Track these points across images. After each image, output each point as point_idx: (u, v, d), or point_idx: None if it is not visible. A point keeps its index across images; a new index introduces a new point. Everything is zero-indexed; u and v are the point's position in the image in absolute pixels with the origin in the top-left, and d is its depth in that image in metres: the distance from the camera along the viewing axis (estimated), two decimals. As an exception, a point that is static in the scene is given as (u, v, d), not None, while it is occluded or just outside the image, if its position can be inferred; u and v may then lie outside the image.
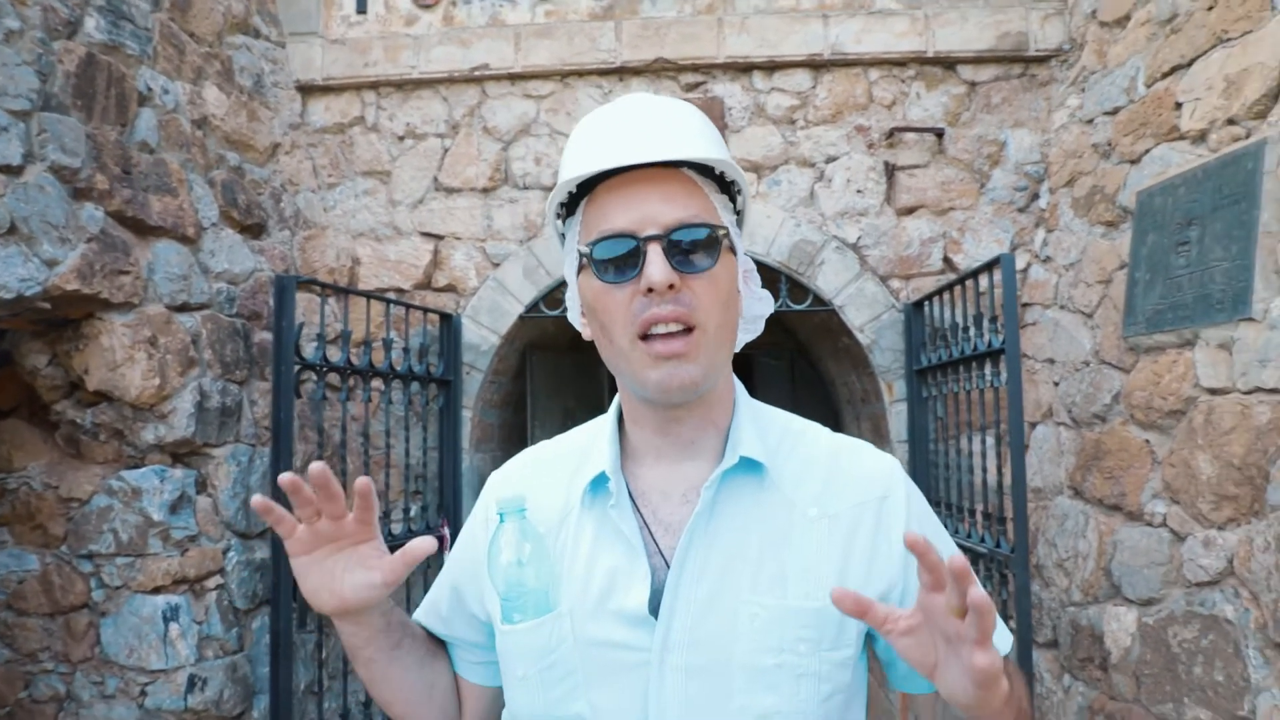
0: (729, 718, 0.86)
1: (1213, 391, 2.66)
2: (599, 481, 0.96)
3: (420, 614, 1.11)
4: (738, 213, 0.98)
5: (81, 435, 3.01)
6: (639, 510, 0.95)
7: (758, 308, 1.02)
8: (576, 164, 0.92)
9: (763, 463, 0.94)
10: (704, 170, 0.93)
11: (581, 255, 0.92)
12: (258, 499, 0.86)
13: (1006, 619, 3.15)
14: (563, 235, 1.00)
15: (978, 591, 0.70)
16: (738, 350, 1.00)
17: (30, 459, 3.06)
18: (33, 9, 2.64)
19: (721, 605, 0.89)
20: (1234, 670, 2.48)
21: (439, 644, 1.11)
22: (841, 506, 0.94)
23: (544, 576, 0.92)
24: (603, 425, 1.02)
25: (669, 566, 0.90)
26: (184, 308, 3.14)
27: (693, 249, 0.88)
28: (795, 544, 0.91)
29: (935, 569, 0.73)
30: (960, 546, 3.34)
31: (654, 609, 0.89)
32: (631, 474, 0.98)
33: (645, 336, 0.88)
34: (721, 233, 0.90)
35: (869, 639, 0.95)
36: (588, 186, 0.93)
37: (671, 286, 0.86)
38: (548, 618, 0.91)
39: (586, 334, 0.99)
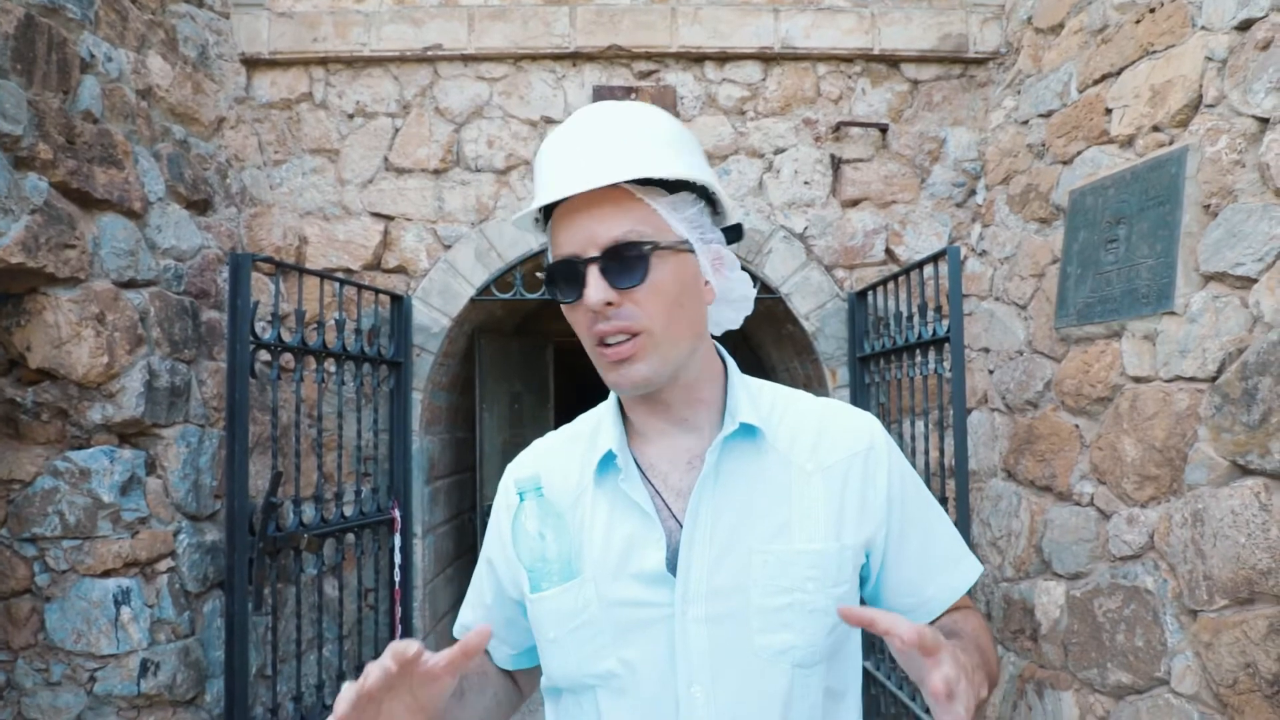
0: (750, 656, 0.96)
1: (1137, 380, 2.87)
2: (608, 459, 1.04)
3: (468, 616, 1.20)
4: (709, 199, 1.03)
5: (22, 415, 2.90)
6: (649, 481, 1.04)
7: (740, 289, 1.09)
8: (537, 190, 1.02)
9: (759, 426, 1.03)
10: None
11: (541, 279, 1.03)
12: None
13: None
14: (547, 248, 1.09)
15: (943, 675, 0.76)
16: (737, 328, 1.12)
17: (-35, 439, 2.93)
18: (-25, -32, 2.52)
19: (733, 556, 0.98)
20: (1153, 636, 2.69)
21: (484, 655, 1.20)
22: (833, 459, 1.04)
23: (565, 547, 1.00)
24: (606, 410, 1.11)
25: (679, 523, 1.00)
26: (131, 284, 3.05)
27: (627, 264, 0.95)
28: (795, 496, 1.01)
29: (913, 647, 0.79)
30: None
31: (672, 568, 0.98)
32: (639, 450, 1.06)
33: (602, 344, 0.98)
34: (648, 248, 0.95)
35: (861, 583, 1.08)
36: (548, 209, 1.02)
37: (611, 304, 0.94)
38: (572, 584, 0.99)
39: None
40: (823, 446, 1.05)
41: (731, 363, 1.11)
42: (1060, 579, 3.13)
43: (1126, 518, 2.85)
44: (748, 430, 1.03)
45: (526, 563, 1.00)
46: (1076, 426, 3.14)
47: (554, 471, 1.08)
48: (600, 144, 0.96)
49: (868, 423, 1.10)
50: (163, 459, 3.09)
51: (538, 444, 1.18)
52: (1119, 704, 2.81)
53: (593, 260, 0.94)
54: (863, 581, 1.07)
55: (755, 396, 1.07)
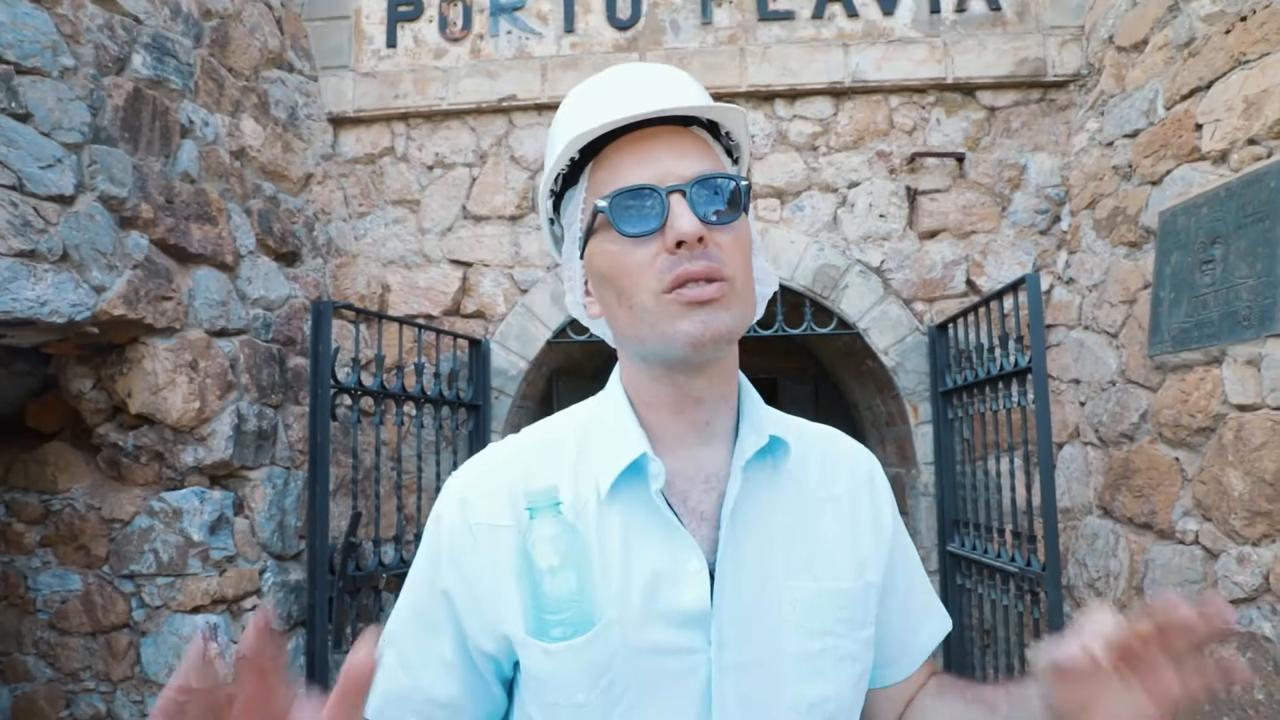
0: (782, 711, 0.83)
1: (1242, 408, 2.68)
2: (636, 466, 0.85)
3: (402, 683, 0.86)
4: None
5: (123, 458, 3.08)
6: (667, 500, 0.87)
7: (762, 284, 0.92)
8: (577, 125, 0.84)
9: (790, 442, 0.90)
10: (708, 131, 0.89)
11: (598, 211, 0.83)
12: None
13: (1039, 639, 3.14)
14: (552, 221, 0.94)
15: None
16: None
17: (74, 481, 3.13)
18: (85, 46, 2.75)
19: (765, 594, 0.84)
20: (1275, 688, 2.46)
21: None
22: (840, 489, 0.93)
23: (585, 582, 0.79)
24: (602, 412, 0.92)
25: (712, 558, 0.84)
26: (223, 333, 3.22)
27: (717, 200, 0.82)
28: (812, 526, 0.89)
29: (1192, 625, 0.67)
30: (991, 566, 3.34)
31: None
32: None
33: (675, 288, 0.80)
34: (744, 184, 0.84)
35: None
36: (591, 153, 0.86)
37: (701, 240, 0.79)
38: (599, 629, 0.78)
39: (592, 312, 0.91)
40: (828, 473, 0.93)
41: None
42: (1166, 625, 2.91)
43: (1236, 557, 2.64)
44: (769, 448, 0.89)
45: (537, 602, 0.78)
46: (1177, 459, 2.94)
47: (539, 484, 0.84)
48: (665, 82, 0.85)
49: (864, 451, 1.01)
50: (250, 500, 3.21)
51: (499, 449, 0.93)
52: (1238, 763, 2.57)
53: (679, 190, 0.80)
54: None
55: (765, 410, 0.95)
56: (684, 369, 0.85)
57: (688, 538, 0.83)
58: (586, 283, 0.91)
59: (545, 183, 0.89)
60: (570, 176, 0.89)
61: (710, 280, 0.80)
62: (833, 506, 0.91)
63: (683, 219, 0.79)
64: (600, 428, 0.90)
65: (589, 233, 0.86)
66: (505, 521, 0.84)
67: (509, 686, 0.88)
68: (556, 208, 0.93)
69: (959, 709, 0.91)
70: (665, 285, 0.80)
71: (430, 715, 0.85)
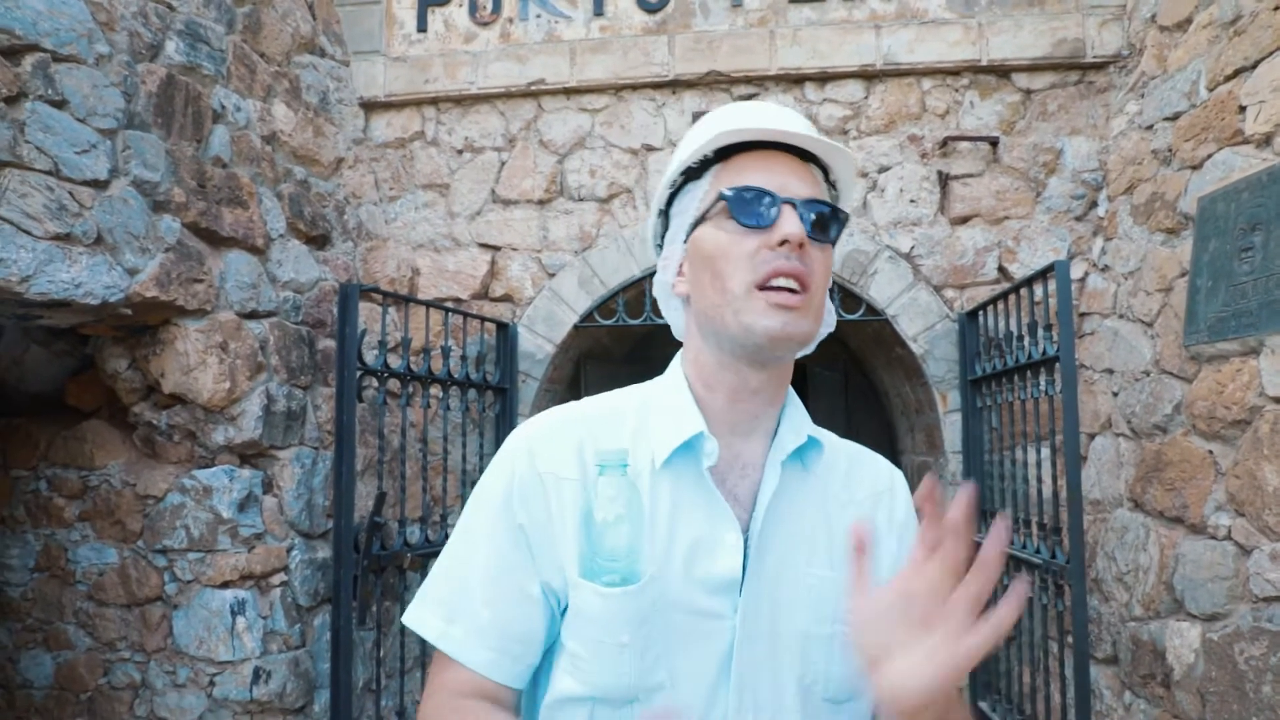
0: (791, 683, 0.92)
1: (1279, 400, 2.59)
2: (693, 443, 0.94)
3: (504, 614, 0.93)
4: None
5: (157, 436, 3.16)
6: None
7: (827, 321, 1.02)
8: (721, 126, 0.95)
9: (824, 443, 1.00)
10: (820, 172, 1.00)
11: (722, 197, 0.93)
12: None
13: (1063, 633, 3.09)
14: (662, 212, 1.04)
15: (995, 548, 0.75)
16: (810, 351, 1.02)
17: (110, 458, 3.22)
18: (120, 34, 2.81)
19: (786, 576, 0.94)
20: (1303, 688, 2.40)
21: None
22: (862, 495, 1.02)
23: (639, 538, 0.88)
24: (662, 391, 1.01)
25: (746, 535, 0.94)
26: (253, 315, 3.28)
27: (820, 222, 0.93)
28: (834, 523, 0.98)
29: (935, 522, 0.78)
30: (1016, 558, 3.30)
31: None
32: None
33: (764, 287, 0.90)
34: (844, 217, 0.96)
35: None
36: (721, 157, 0.97)
37: (801, 245, 0.90)
38: (644, 582, 0.88)
39: (679, 290, 1.01)
40: (851, 481, 1.03)
41: None
42: (1195, 620, 2.84)
43: (1270, 554, 2.57)
44: (803, 449, 0.99)
45: (595, 549, 0.87)
46: (1210, 452, 2.86)
47: (603, 447, 0.94)
48: (799, 118, 0.97)
49: (886, 465, 1.08)
50: (279, 479, 3.28)
51: (566, 413, 1.01)
52: (1265, 763, 2.51)
53: (792, 202, 0.91)
54: None
55: (805, 415, 1.04)
56: (751, 360, 0.94)
57: (729, 512, 0.93)
58: (681, 266, 1.01)
59: (672, 171, 0.99)
60: (695, 173, 0.99)
61: (798, 281, 0.90)
62: (854, 510, 1.00)
63: (790, 222, 0.90)
64: (660, 405, 0.99)
65: (702, 218, 0.96)
66: (570, 474, 0.94)
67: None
68: (669, 201, 1.03)
69: None
70: (760, 278, 0.90)
71: (506, 650, 0.92)
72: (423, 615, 0.95)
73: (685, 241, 0.99)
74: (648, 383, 1.05)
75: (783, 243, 0.89)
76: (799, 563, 0.95)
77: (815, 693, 0.92)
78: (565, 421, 0.99)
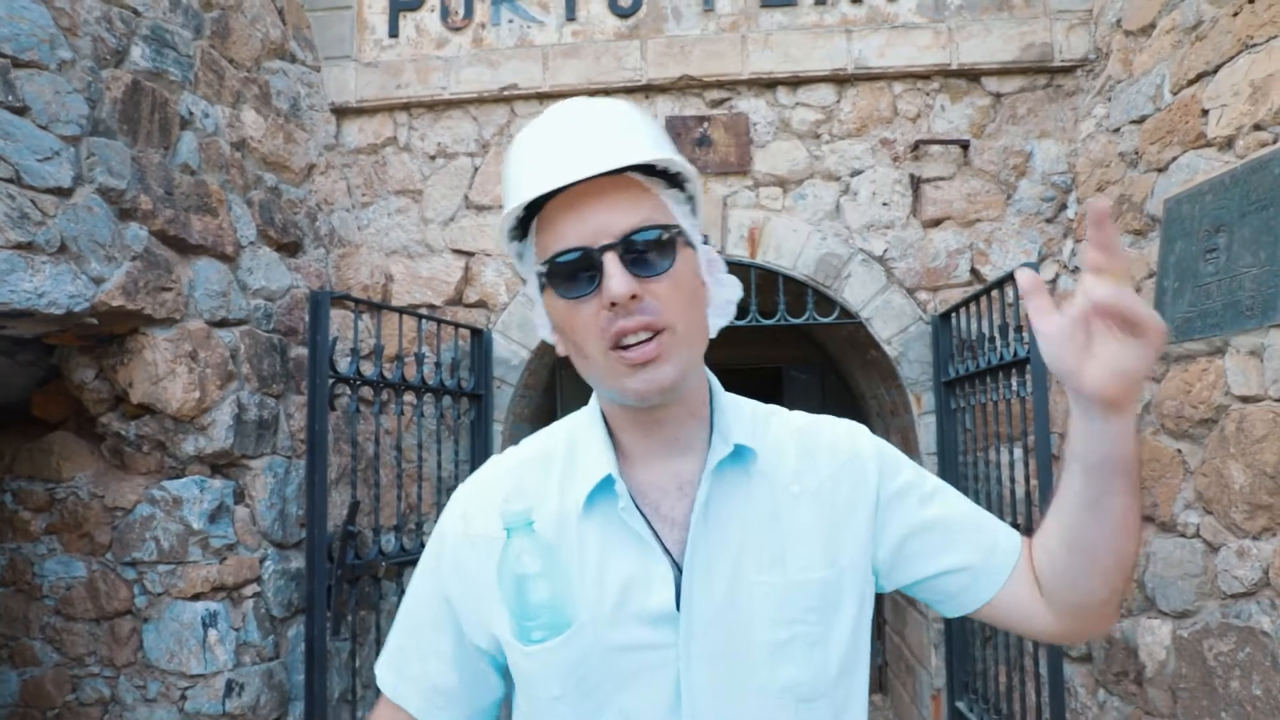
0: (754, 694, 0.91)
1: (1244, 399, 2.63)
2: (604, 486, 0.94)
3: (413, 670, 1.02)
4: (690, 200, 0.97)
5: (126, 447, 3.11)
6: (640, 509, 0.95)
7: (726, 293, 1.00)
8: (519, 186, 0.91)
9: (754, 448, 0.97)
10: (649, 169, 0.92)
11: (540, 276, 0.92)
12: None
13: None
14: (519, 255, 0.99)
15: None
16: (714, 336, 1.00)
17: (78, 469, 3.17)
18: (83, 39, 2.77)
19: (735, 590, 0.92)
20: (1272, 684, 2.43)
21: None
22: (817, 479, 0.98)
23: (559, 589, 0.90)
24: (583, 429, 1.01)
25: (674, 560, 0.93)
26: (223, 323, 3.24)
27: (649, 252, 0.88)
28: (784, 522, 0.95)
29: (1102, 226, 0.78)
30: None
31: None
32: (626, 475, 0.97)
33: (617, 346, 0.88)
34: (674, 231, 0.90)
35: (903, 595, 1.01)
36: (536, 205, 0.92)
37: (634, 297, 0.86)
38: (571, 631, 0.89)
39: (561, 349, 0.98)
40: (805, 466, 0.99)
41: (713, 376, 1.04)
42: (1166, 617, 2.88)
43: (1237, 550, 2.60)
44: (739, 453, 0.96)
45: (516, 609, 0.89)
46: (1179, 451, 2.90)
47: (528, 498, 0.96)
48: (599, 131, 0.90)
49: (849, 433, 1.05)
50: (251, 489, 3.24)
51: (499, 465, 1.05)
52: (1235, 758, 2.55)
53: (610, 247, 0.86)
54: (914, 587, 1.03)
55: (740, 415, 1.01)
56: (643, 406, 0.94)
57: (653, 546, 0.93)
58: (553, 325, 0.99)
59: (501, 234, 0.96)
60: (522, 226, 0.96)
61: (649, 330, 0.87)
62: (808, 499, 0.97)
63: (614, 280, 0.85)
64: (581, 445, 1.00)
65: (541, 287, 0.94)
66: (497, 533, 0.93)
67: (506, 673, 1.01)
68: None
69: (1054, 534, 0.96)
70: (609, 342, 0.88)
71: (431, 700, 1.00)
72: (380, 659, 1.06)
73: (542, 300, 0.96)
74: (579, 411, 1.05)
75: (614, 304, 0.86)
76: (749, 572, 0.93)
77: (788, 696, 0.91)
78: (496, 476, 1.03)
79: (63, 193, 2.63)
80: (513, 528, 0.89)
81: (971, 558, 1.00)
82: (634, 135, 0.90)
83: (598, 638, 0.90)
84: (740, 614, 0.91)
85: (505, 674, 1.01)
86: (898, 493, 1.00)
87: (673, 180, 0.95)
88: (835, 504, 0.98)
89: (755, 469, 0.97)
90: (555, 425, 1.07)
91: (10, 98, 2.49)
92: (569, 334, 0.92)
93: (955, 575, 1.00)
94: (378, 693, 1.05)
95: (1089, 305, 0.78)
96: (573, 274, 0.88)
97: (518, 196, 0.90)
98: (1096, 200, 0.78)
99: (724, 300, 1.00)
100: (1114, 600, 0.96)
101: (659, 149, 0.91)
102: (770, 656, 0.91)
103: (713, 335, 1.01)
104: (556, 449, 1.02)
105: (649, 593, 0.91)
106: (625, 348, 0.87)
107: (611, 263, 0.86)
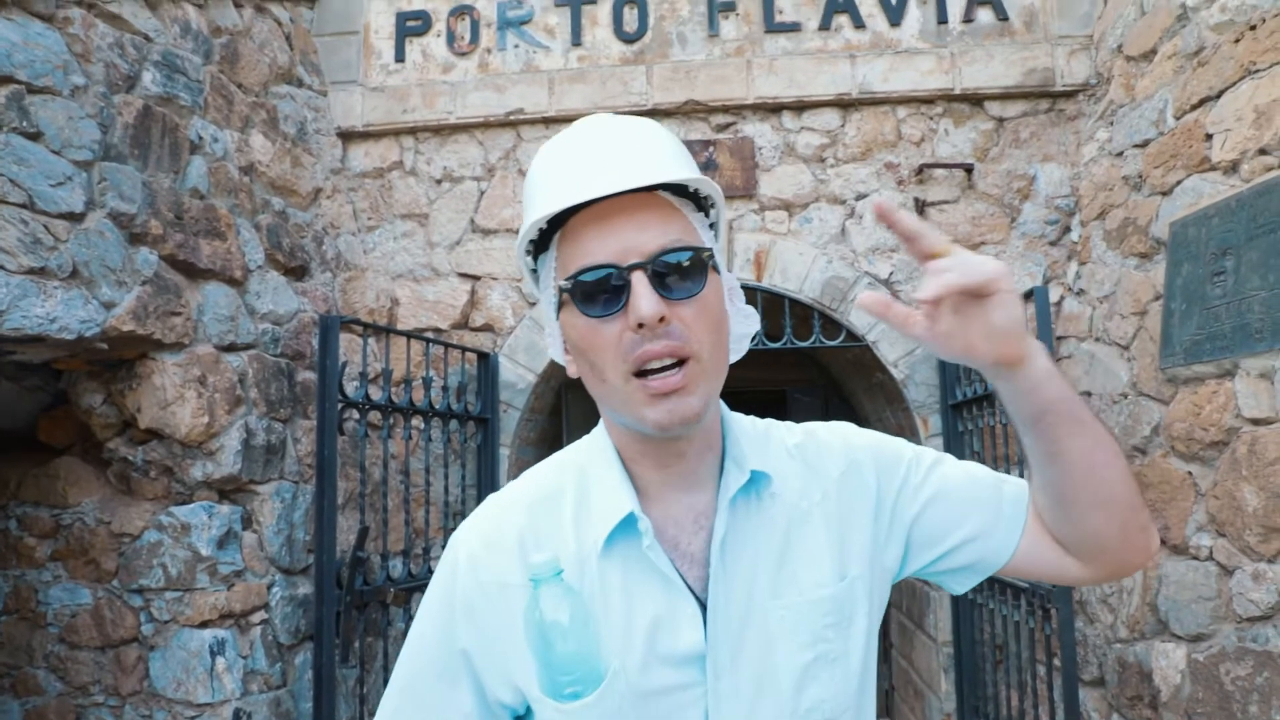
0: (785, 718, 0.89)
1: (1255, 422, 2.64)
2: (627, 524, 0.90)
3: None
4: (712, 226, 0.95)
5: (133, 472, 3.09)
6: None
7: (743, 326, 0.97)
8: (545, 198, 0.87)
9: (771, 474, 0.94)
10: (678, 189, 0.90)
11: (562, 291, 0.87)
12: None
13: (1050, 655, 3.10)
14: (534, 272, 0.96)
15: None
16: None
17: (84, 495, 3.15)
18: (96, 65, 2.78)
19: (752, 619, 0.90)
20: (1288, 707, 2.42)
21: None
22: (821, 493, 0.97)
23: (589, 640, 0.84)
24: (594, 463, 0.96)
25: (696, 596, 0.90)
26: (231, 348, 3.23)
27: (679, 274, 0.84)
28: (795, 542, 0.94)
29: (902, 228, 0.82)
30: (1002, 581, 3.31)
31: None
32: (644, 510, 0.92)
33: (639, 373, 0.84)
34: (706, 254, 0.87)
35: (915, 579, 1.01)
36: (559, 220, 0.89)
37: (662, 319, 0.82)
38: (606, 683, 0.84)
39: (572, 371, 0.94)
40: (808, 481, 0.97)
41: (721, 402, 0.99)
42: (1180, 641, 2.87)
43: (1252, 574, 2.60)
44: (753, 479, 0.94)
45: (543, 663, 0.83)
46: (1190, 474, 2.90)
47: (547, 543, 0.91)
48: (630, 147, 0.87)
49: (840, 437, 1.03)
50: (258, 514, 3.22)
51: (500, 503, 0.97)
52: (1254, 783, 2.53)
53: (638, 266, 0.82)
54: (921, 578, 1.03)
55: (752, 439, 0.99)
56: (660, 437, 0.89)
57: (680, 585, 0.89)
58: (566, 345, 0.94)
59: (520, 246, 0.92)
60: (542, 240, 0.92)
61: (673, 356, 0.83)
62: (815, 514, 0.96)
63: (643, 300, 0.81)
64: (593, 480, 0.95)
65: (560, 305, 0.90)
66: (515, 579, 0.89)
67: None
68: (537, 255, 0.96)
69: (1038, 495, 0.97)
70: (632, 366, 0.84)
71: None
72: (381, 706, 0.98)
73: (557, 319, 0.93)
74: (580, 443, 1.01)
75: (641, 325, 0.82)
76: (764, 600, 0.91)
77: (816, 716, 0.90)
78: (504, 516, 0.95)
79: (75, 218, 2.63)
80: (540, 578, 0.83)
81: (981, 523, 0.99)
82: (664, 153, 0.88)
83: (630, 685, 0.86)
84: (762, 643, 0.90)
85: None
86: (898, 489, 1.00)
87: (699, 203, 0.93)
88: (840, 515, 0.96)
89: (768, 491, 0.95)
90: (558, 457, 1.02)
91: (25, 123, 2.49)
92: (587, 354, 0.88)
93: (971, 545, 0.99)
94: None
95: (944, 291, 0.79)
96: (597, 292, 0.84)
97: (545, 208, 0.87)
98: (875, 199, 0.82)
99: (740, 334, 0.97)
100: (1131, 531, 0.94)
101: (690, 169, 0.89)
102: (795, 681, 0.89)
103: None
104: (565, 485, 0.96)
105: (677, 634, 0.88)
106: (647, 374, 0.84)
107: (640, 282, 0.82)
